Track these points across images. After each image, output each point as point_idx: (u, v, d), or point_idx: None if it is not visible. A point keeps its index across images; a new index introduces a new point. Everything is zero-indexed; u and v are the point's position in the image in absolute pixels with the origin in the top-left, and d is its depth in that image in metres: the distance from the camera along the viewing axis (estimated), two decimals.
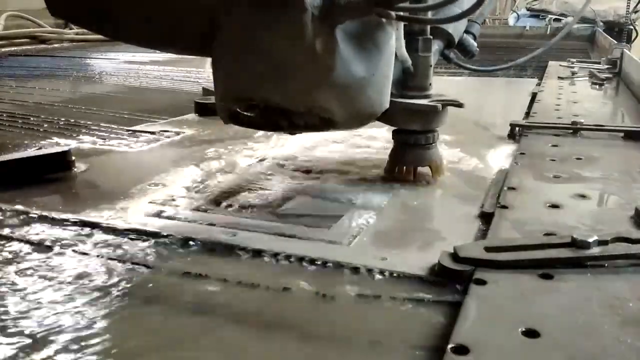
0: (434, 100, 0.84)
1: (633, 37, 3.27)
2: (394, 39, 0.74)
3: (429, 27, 0.85)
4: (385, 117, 0.81)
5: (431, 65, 0.86)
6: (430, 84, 0.86)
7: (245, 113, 0.75)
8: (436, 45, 0.90)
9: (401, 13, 0.70)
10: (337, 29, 0.65)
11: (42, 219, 0.75)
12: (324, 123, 0.74)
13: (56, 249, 0.67)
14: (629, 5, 2.88)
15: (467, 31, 1.00)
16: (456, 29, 0.95)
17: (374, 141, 1.14)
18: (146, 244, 0.69)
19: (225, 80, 0.71)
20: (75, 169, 0.97)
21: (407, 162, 0.88)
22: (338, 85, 0.67)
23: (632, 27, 3.19)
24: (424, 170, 0.89)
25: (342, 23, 0.66)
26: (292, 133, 0.80)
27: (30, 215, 0.77)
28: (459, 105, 0.85)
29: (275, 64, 0.66)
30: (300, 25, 0.63)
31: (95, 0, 0.71)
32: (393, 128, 0.89)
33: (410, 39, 0.83)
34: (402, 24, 0.78)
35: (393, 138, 0.90)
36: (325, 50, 0.65)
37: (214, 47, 0.70)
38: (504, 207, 0.74)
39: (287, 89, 0.67)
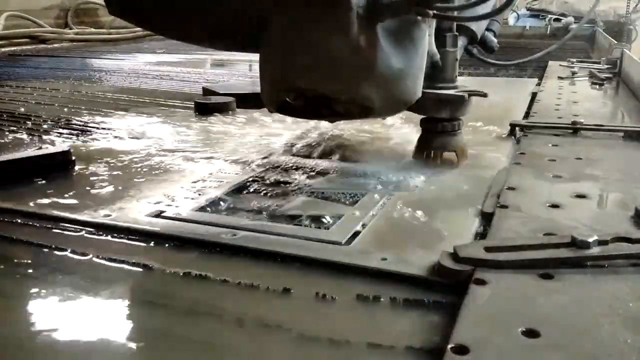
0: (460, 90, 0.93)
1: (633, 37, 3.26)
2: (427, 36, 0.82)
3: (455, 24, 0.93)
4: (415, 107, 0.89)
5: (457, 59, 0.94)
6: (456, 76, 0.95)
7: (292, 102, 0.81)
8: (461, 42, 0.98)
9: (436, 12, 0.77)
10: (378, 26, 0.73)
11: (42, 219, 0.75)
12: (363, 111, 0.80)
13: (55, 249, 0.67)
14: (629, 5, 2.88)
15: (487, 29, 1.08)
16: (479, 27, 1.03)
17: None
18: (146, 244, 0.69)
19: (275, 72, 0.78)
20: (76, 169, 0.97)
21: (435, 147, 0.96)
22: (378, 77, 0.75)
23: (632, 27, 3.19)
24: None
25: (384, 21, 0.73)
26: (332, 121, 0.88)
27: (30, 215, 0.76)
28: (484, 95, 0.94)
29: (322, 57, 0.73)
30: (346, 22, 0.71)
31: (155, 3, 0.79)
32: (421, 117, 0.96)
33: (439, 35, 0.91)
34: (434, 22, 0.86)
35: (421, 126, 0.98)
36: (368, 45, 0.73)
37: (264, 43, 0.77)
38: (504, 207, 0.74)
39: (332, 79, 0.75)
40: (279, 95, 0.79)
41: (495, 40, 1.09)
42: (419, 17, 0.77)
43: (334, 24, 0.72)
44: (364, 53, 0.74)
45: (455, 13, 0.86)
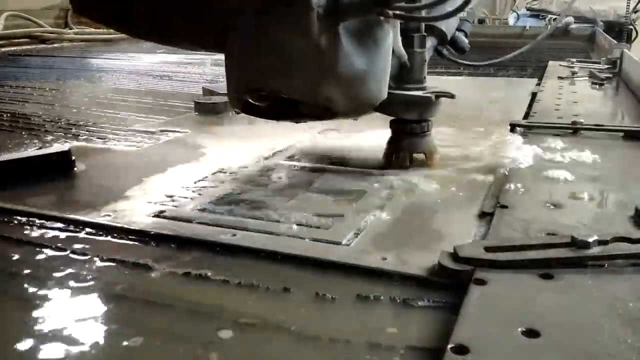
0: (428, 92, 0.92)
1: (633, 37, 3.27)
2: (391, 36, 0.81)
3: (423, 25, 0.92)
4: (384, 108, 0.89)
5: (425, 61, 0.94)
6: (424, 78, 0.95)
7: (256, 103, 0.81)
8: (430, 42, 0.98)
9: (398, 12, 0.77)
10: (339, 27, 0.72)
11: (42, 219, 0.75)
12: (327, 112, 0.80)
13: (55, 249, 0.67)
14: (629, 5, 2.88)
15: (459, 29, 1.07)
16: (448, 27, 1.02)
17: None
18: (146, 244, 0.69)
19: (238, 73, 0.78)
20: (76, 169, 0.97)
21: (404, 149, 0.96)
22: (341, 78, 0.75)
23: (632, 27, 3.19)
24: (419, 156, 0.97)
25: (345, 21, 0.73)
26: (297, 122, 0.87)
27: (30, 215, 0.76)
28: (451, 96, 0.93)
29: (284, 58, 0.73)
30: (307, 23, 0.70)
31: (120, 2, 0.78)
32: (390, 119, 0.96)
33: (406, 36, 0.90)
34: (398, 22, 0.84)
35: (391, 127, 0.98)
36: (330, 46, 0.72)
37: (228, 44, 0.76)
38: (504, 207, 0.74)
39: (295, 81, 0.74)
40: (242, 96, 0.79)
41: (466, 40, 1.08)
42: (382, 18, 0.76)
43: (295, 24, 0.71)
44: (325, 54, 0.73)
45: (423, 13, 0.86)
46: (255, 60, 0.75)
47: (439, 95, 0.93)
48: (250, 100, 0.79)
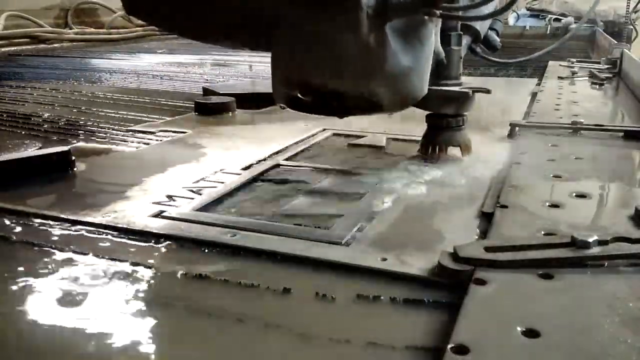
0: (464, 87, 0.97)
1: (633, 37, 3.26)
2: (434, 35, 0.85)
3: (459, 23, 0.97)
4: (421, 103, 0.92)
5: (461, 58, 0.98)
6: (460, 74, 0.99)
7: (302, 98, 0.83)
8: (465, 40, 1.02)
9: (442, 12, 0.80)
10: (387, 26, 0.76)
11: (42, 219, 0.75)
12: (372, 106, 0.83)
13: (56, 249, 0.67)
14: (629, 5, 2.88)
15: (491, 28, 1.11)
16: (482, 26, 1.07)
17: None
18: (146, 244, 0.69)
19: (287, 68, 0.81)
20: (75, 169, 0.97)
21: (440, 142, 1.00)
22: (387, 74, 0.78)
23: (632, 27, 3.19)
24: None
25: (392, 20, 0.76)
26: (342, 116, 0.89)
27: (30, 215, 0.77)
28: (487, 91, 0.97)
29: (333, 54, 0.76)
30: (356, 22, 0.73)
31: (171, 3, 0.83)
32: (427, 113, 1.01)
33: (444, 34, 0.95)
34: (440, 22, 0.88)
35: (427, 122, 1.02)
36: (377, 44, 0.76)
37: (276, 41, 0.80)
38: (504, 206, 0.74)
39: (343, 76, 0.78)
40: (290, 90, 0.82)
41: (498, 39, 1.13)
42: (426, 17, 0.80)
43: (345, 23, 0.75)
44: (373, 51, 0.76)
45: (460, 13, 0.90)
46: (305, 56, 0.78)
47: (476, 90, 0.97)
48: (298, 95, 0.82)
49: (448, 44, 0.96)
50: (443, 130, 1.00)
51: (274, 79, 0.83)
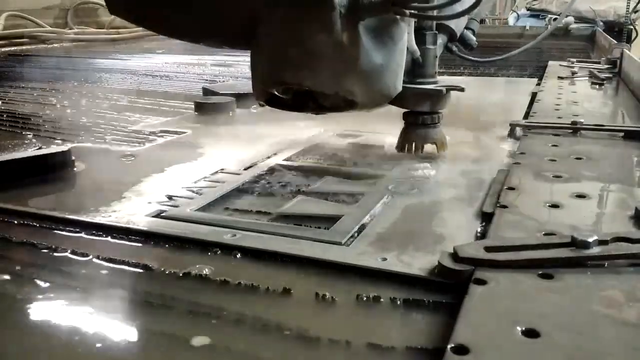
0: (439, 85, 0.99)
1: (633, 37, 3.26)
2: (406, 33, 0.87)
3: (434, 23, 0.99)
4: (397, 101, 0.94)
5: (436, 57, 1.01)
6: (435, 72, 1.01)
7: (280, 96, 0.86)
8: (440, 39, 1.04)
9: (413, 11, 0.81)
10: (360, 25, 0.78)
11: (42, 219, 0.75)
12: (347, 104, 0.85)
13: (55, 250, 0.67)
14: (629, 5, 2.88)
15: (467, 27, 1.13)
16: (457, 25, 1.08)
17: None
18: (146, 244, 0.69)
19: (265, 67, 0.83)
20: (75, 169, 0.97)
21: (417, 139, 1.03)
22: (360, 72, 0.80)
23: (632, 26, 3.19)
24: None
25: (364, 19, 0.78)
26: (317, 113, 0.92)
27: (30, 215, 0.76)
28: (461, 89, 1.01)
29: (308, 53, 0.78)
30: (330, 21, 0.75)
31: (151, 2, 0.84)
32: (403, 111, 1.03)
33: (419, 33, 0.98)
34: (412, 21, 0.91)
35: (404, 119, 1.04)
36: (350, 42, 0.78)
37: (255, 39, 0.81)
38: (504, 206, 0.74)
39: (318, 74, 0.79)
40: (268, 89, 0.84)
41: (474, 38, 1.15)
42: (398, 17, 0.82)
43: (319, 23, 0.77)
44: (346, 50, 0.78)
45: (434, 13, 0.92)
46: (281, 55, 0.80)
47: (450, 88, 1.00)
48: (276, 93, 0.84)
49: (423, 43, 0.99)
50: (419, 127, 1.02)
51: (253, 77, 0.85)
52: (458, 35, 1.10)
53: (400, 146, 1.05)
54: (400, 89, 0.88)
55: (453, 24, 1.06)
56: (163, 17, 0.85)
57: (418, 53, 0.98)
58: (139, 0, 0.85)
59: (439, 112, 1.02)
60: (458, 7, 0.82)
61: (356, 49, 0.78)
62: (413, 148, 1.03)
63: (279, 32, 0.79)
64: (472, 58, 1.27)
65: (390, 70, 0.84)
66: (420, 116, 1.01)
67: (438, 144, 1.03)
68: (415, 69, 0.99)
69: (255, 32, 0.81)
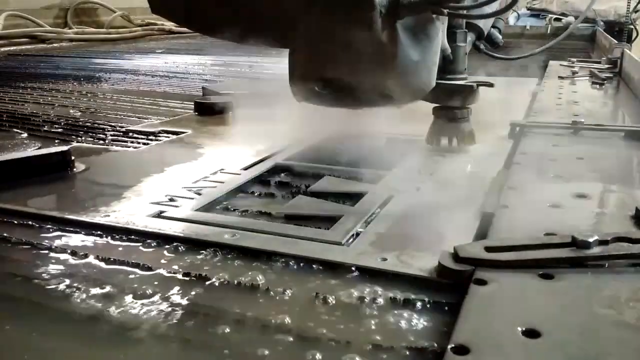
0: (469, 81, 1.03)
1: (633, 37, 3.26)
2: (441, 32, 0.90)
3: (464, 21, 1.03)
4: (429, 96, 0.97)
5: (466, 54, 1.04)
6: (465, 69, 1.04)
7: (320, 91, 0.88)
8: (470, 37, 1.08)
9: (449, 11, 0.84)
10: (398, 24, 0.80)
11: (42, 219, 0.75)
12: (384, 99, 0.88)
13: (55, 249, 0.67)
14: (629, 5, 2.88)
15: (493, 26, 1.18)
16: (485, 24, 1.13)
17: None
18: (146, 244, 0.68)
19: (306, 64, 0.86)
20: (75, 169, 0.97)
21: (446, 133, 1.06)
22: (398, 68, 0.83)
23: (632, 26, 3.19)
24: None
25: (403, 19, 0.80)
26: (355, 109, 0.94)
27: (30, 215, 0.76)
28: (490, 85, 1.04)
29: (350, 51, 0.81)
30: (370, 20, 0.78)
31: (196, 3, 0.88)
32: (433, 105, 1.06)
33: (450, 32, 1.00)
34: (446, 20, 0.94)
35: (434, 114, 1.07)
36: (390, 40, 0.80)
37: (294, 38, 0.84)
38: (505, 207, 0.74)
39: (358, 70, 0.82)
40: (308, 85, 0.87)
41: (500, 36, 1.19)
42: (434, 16, 0.84)
43: (360, 22, 0.79)
44: (386, 47, 0.81)
45: (465, 12, 0.95)
46: (322, 52, 0.83)
47: (480, 84, 1.03)
48: (315, 89, 0.87)
49: (454, 40, 1.02)
50: (449, 121, 1.05)
51: (292, 75, 0.87)
52: (485, 33, 1.13)
53: (430, 139, 1.08)
54: (434, 84, 0.91)
55: (481, 22, 1.10)
56: (206, 17, 0.89)
57: (449, 50, 1.01)
58: (185, 1, 0.89)
59: (469, 107, 1.05)
60: (489, 8, 0.86)
61: (394, 47, 0.81)
62: (442, 141, 1.06)
63: (321, 30, 0.82)
64: (498, 55, 1.30)
65: (426, 66, 0.87)
66: (450, 111, 1.04)
67: (467, 137, 1.06)
68: (446, 66, 1.02)
69: (295, 30, 0.84)
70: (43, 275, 0.61)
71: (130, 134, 1.26)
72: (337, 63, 0.82)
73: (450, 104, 1.04)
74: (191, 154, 1.08)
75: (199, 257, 0.65)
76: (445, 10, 0.82)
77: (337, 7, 0.80)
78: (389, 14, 0.79)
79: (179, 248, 0.67)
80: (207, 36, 1.06)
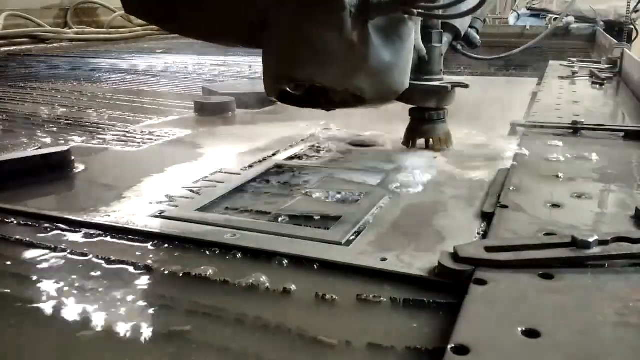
0: (445, 82, 1.03)
1: (633, 37, 3.26)
2: (414, 32, 0.89)
3: (440, 22, 1.03)
4: (404, 97, 0.97)
5: (442, 55, 1.05)
6: (441, 70, 1.04)
7: (292, 92, 0.88)
8: (446, 38, 1.07)
9: (420, 11, 0.84)
10: (369, 24, 0.80)
11: (42, 220, 0.75)
12: (356, 100, 0.87)
13: (55, 250, 0.67)
14: (629, 5, 2.88)
15: (471, 26, 1.17)
16: (462, 24, 1.12)
17: None
18: (146, 244, 0.68)
19: (277, 64, 0.85)
20: (75, 169, 0.97)
21: (422, 134, 1.07)
22: (370, 69, 0.82)
23: (632, 26, 3.18)
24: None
25: (374, 19, 0.80)
26: (328, 109, 0.94)
27: (29, 215, 0.76)
28: (465, 86, 1.04)
29: (320, 51, 0.81)
30: (340, 20, 0.78)
31: (166, 2, 0.87)
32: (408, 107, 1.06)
33: (425, 32, 1.01)
34: (419, 20, 0.94)
35: (410, 115, 1.07)
36: (360, 41, 0.80)
37: (266, 38, 0.84)
38: (504, 207, 0.74)
39: (329, 71, 0.82)
40: (280, 85, 0.86)
41: (477, 37, 1.19)
42: (406, 16, 0.84)
43: (330, 22, 0.79)
44: (356, 48, 0.80)
45: (439, 12, 0.94)
46: (293, 52, 0.82)
47: (455, 85, 1.03)
48: (287, 89, 0.87)
49: (429, 41, 1.02)
50: (425, 122, 1.06)
51: (265, 75, 0.87)
52: (463, 33, 1.13)
53: (407, 141, 1.08)
54: (407, 85, 0.91)
55: (458, 23, 1.09)
56: (177, 16, 0.88)
57: (424, 51, 1.00)
58: (155, 0, 0.88)
59: (445, 108, 1.05)
60: (463, 7, 0.85)
61: (365, 47, 0.80)
62: (418, 143, 1.06)
63: (291, 30, 0.82)
64: (476, 56, 1.30)
65: (399, 67, 0.86)
66: (426, 112, 1.04)
67: (443, 139, 1.06)
68: (422, 67, 1.02)
69: (267, 30, 0.83)
70: (43, 275, 0.61)
71: (130, 133, 1.26)
72: (307, 64, 0.82)
73: (426, 104, 1.04)
74: (191, 154, 1.08)
75: (199, 257, 0.65)
76: (416, 11, 0.82)
77: (307, 7, 0.80)
78: (359, 14, 0.79)
79: (179, 248, 0.67)
80: (180, 36, 1.07)
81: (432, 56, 1.02)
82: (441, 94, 1.03)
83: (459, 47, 1.17)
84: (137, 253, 0.66)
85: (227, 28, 0.87)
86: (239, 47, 0.98)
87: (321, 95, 0.88)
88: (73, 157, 0.97)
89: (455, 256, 0.58)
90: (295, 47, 0.81)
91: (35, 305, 0.56)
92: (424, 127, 1.06)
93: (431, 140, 1.06)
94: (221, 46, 1.13)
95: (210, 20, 0.86)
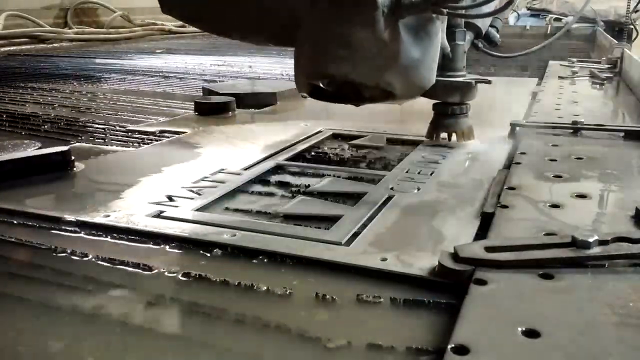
0: (468, 78, 1.08)
1: (633, 37, 3.26)
2: (440, 31, 0.93)
3: (463, 21, 1.08)
4: (428, 92, 0.99)
5: (465, 52, 1.10)
6: (464, 66, 1.09)
7: (324, 87, 0.90)
8: (468, 36, 1.12)
9: (449, 10, 0.87)
10: (400, 22, 0.83)
11: (41, 220, 0.75)
12: (385, 95, 0.90)
13: (55, 250, 0.67)
14: (629, 5, 2.88)
15: (491, 25, 1.22)
16: (484, 24, 1.17)
17: None
18: (146, 244, 0.68)
19: (310, 61, 0.88)
20: (75, 169, 0.97)
21: (446, 127, 1.11)
22: (400, 66, 0.85)
23: (632, 26, 3.18)
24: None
25: (404, 18, 0.83)
26: (357, 105, 0.96)
27: (29, 215, 0.76)
28: (488, 82, 1.09)
29: (352, 49, 0.83)
30: (373, 19, 0.80)
31: (204, 1, 0.90)
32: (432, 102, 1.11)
33: (449, 31, 1.05)
34: (446, 19, 0.98)
35: (433, 109, 1.12)
36: (391, 39, 0.83)
37: (298, 37, 0.87)
38: (504, 206, 0.74)
39: (362, 68, 0.84)
40: (313, 81, 0.89)
41: (497, 35, 1.23)
42: (434, 15, 0.87)
43: (363, 21, 0.81)
44: (388, 45, 0.83)
45: (464, 12, 0.98)
46: (327, 50, 0.85)
47: (478, 80, 1.08)
48: (320, 85, 0.89)
49: (453, 39, 1.07)
50: (448, 117, 1.10)
51: (296, 71, 0.90)
52: (483, 32, 1.17)
53: (430, 134, 1.13)
54: (434, 81, 0.93)
55: (480, 22, 1.14)
56: (214, 16, 0.91)
57: (449, 49, 1.05)
58: (191, 1, 0.91)
59: (467, 103, 1.09)
60: (489, 7, 0.90)
61: (396, 45, 0.83)
62: (441, 136, 1.11)
63: (325, 29, 0.84)
64: (496, 54, 1.34)
65: (426, 64, 0.89)
66: (449, 106, 1.09)
67: (466, 132, 1.10)
68: (446, 63, 1.06)
69: (300, 28, 0.86)
70: (42, 275, 0.61)
71: (130, 134, 1.26)
72: (341, 61, 0.85)
73: (449, 99, 1.08)
74: (191, 154, 1.08)
75: (199, 257, 0.65)
76: (445, 10, 0.85)
77: (340, 7, 0.83)
78: (391, 13, 0.82)
79: (179, 248, 0.67)
80: (219, 37, 1.09)
81: (455, 53, 1.07)
82: (464, 89, 1.08)
83: (480, 45, 1.21)
84: (137, 253, 0.66)
85: (260, 27, 0.91)
86: (271, 45, 1.00)
87: (351, 90, 0.91)
88: (73, 157, 0.97)
89: (455, 256, 0.58)
90: (329, 45, 0.84)
91: (35, 305, 0.56)
92: (447, 121, 1.11)
93: (454, 133, 1.10)
94: (253, 45, 1.18)
95: (244, 20, 0.90)
